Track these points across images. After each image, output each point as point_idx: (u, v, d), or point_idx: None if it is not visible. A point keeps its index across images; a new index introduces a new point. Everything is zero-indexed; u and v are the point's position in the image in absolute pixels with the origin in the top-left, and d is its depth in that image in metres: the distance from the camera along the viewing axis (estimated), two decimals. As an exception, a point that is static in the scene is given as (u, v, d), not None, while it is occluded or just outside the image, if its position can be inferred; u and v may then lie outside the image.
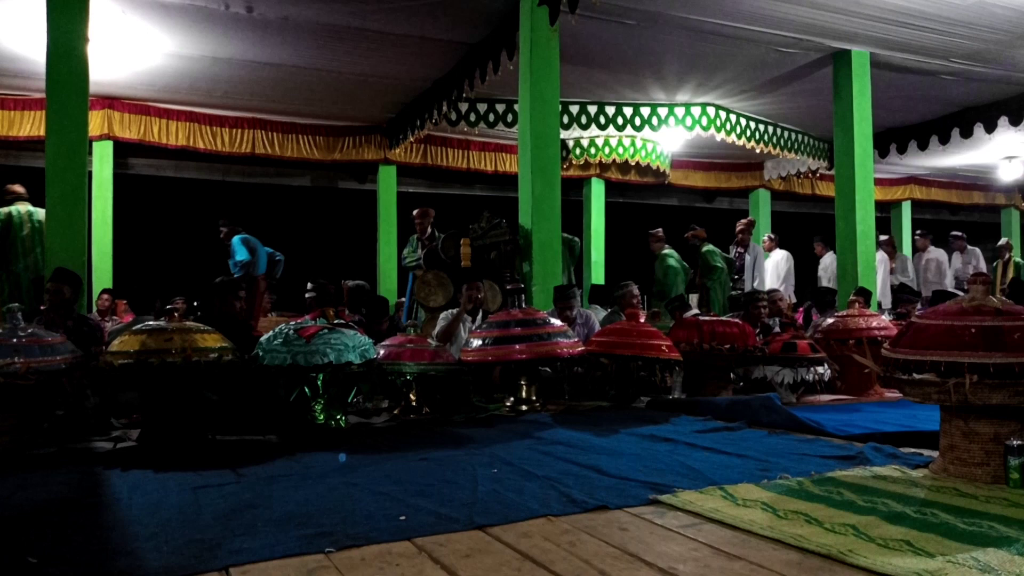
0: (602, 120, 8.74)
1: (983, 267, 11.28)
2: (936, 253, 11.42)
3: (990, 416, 2.63)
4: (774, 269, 10.53)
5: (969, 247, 11.51)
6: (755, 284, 9.34)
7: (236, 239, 7.41)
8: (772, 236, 10.98)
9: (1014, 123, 8.79)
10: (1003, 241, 11.42)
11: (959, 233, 11.74)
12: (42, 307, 4.88)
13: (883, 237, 11.74)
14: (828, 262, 10.52)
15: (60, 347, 3.66)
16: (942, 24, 6.64)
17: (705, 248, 8.91)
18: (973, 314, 2.70)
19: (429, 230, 7.31)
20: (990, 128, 9.05)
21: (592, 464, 2.94)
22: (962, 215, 15.00)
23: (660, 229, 9.04)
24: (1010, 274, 11.26)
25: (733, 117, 9.12)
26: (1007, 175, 12.16)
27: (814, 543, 1.93)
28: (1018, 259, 11.59)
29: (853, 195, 7.53)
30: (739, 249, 9.76)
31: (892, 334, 4.31)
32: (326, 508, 2.34)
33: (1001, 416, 2.61)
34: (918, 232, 11.67)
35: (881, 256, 11.00)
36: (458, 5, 6.27)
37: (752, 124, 9.33)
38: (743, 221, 9.95)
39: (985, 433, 2.64)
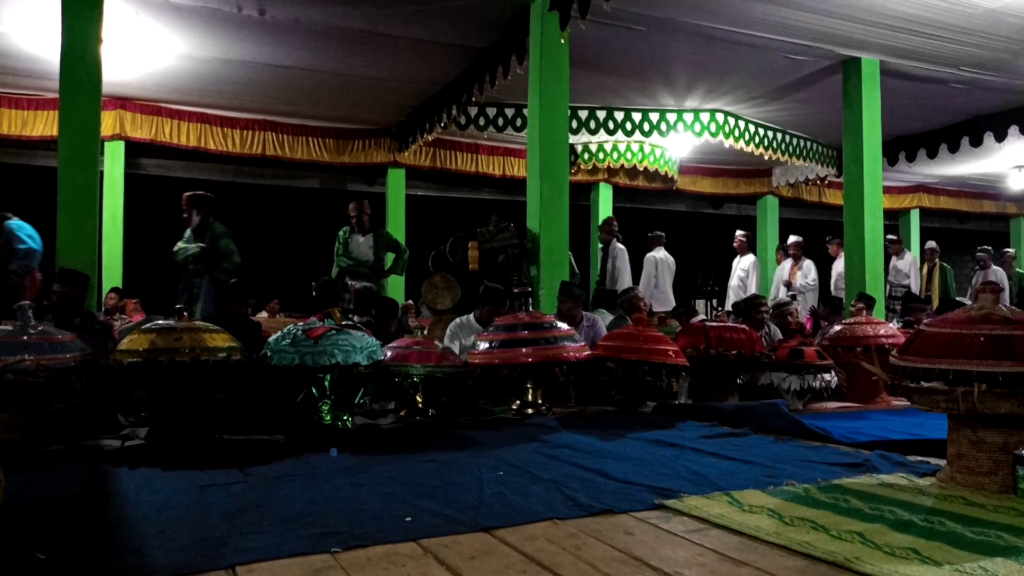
0: (611, 125, 8.74)
1: (915, 273, 11.06)
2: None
3: (998, 425, 2.61)
4: (662, 269, 9.62)
5: (907, 252, 11.27)
6: (617, 286, 8.32)
7: (13, 224, 6.16)
8: (658, 234, 9.82)
9: (1024, 132, 8.77)
10: (930, 244, 11.26)
11: (894, 237, 11.38)
12: (45, 302, 4.91)
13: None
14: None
15: (70, 345, 3.68)
16: (953, 32, 6.63)
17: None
18: (982, 323, 2.69)
19: (197, 219, 6.37)
20: (1000, 137, 9.02)
21: (598, 468, 2.93)
22: (971, 224, 14.94)
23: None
24: (936, 278, 11.14)
25: (742, 123, 9.10)
26: (1017, 184, 12.12)
27: (820, 550, 1.92)
28: (944, 264, 11.46)
29: (862, 203, 7.51)
30: (601, 249, 8.91)
31: (899, 342, 4.31)
32: (332, 508, 2.35)
33: (1010, 425, 2.60)
34: (828, 238, 10.92)
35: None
36: (469, 9, 6.29)
37: (761, 131, 9.31)
38: (605, 219, 9.01)
39: (993, 442, 2.62)
